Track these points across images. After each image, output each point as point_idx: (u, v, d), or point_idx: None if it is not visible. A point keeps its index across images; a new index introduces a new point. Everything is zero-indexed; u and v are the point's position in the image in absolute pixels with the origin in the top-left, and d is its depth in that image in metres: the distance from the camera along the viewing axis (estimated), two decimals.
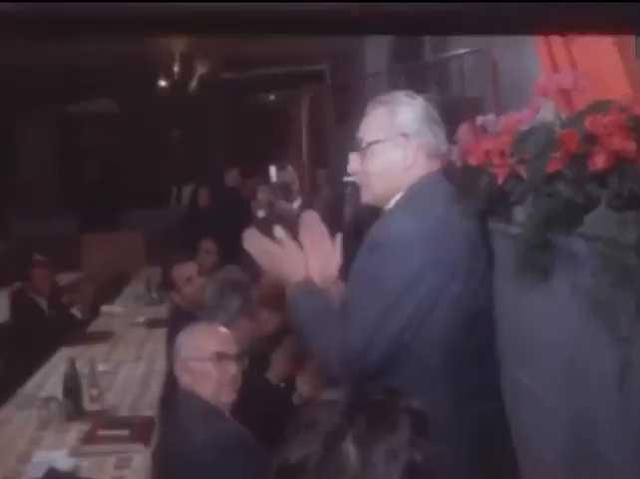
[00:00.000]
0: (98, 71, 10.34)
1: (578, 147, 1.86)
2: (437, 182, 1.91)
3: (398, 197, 1.87)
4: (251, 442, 2.16)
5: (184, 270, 3.96)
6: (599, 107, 2.11)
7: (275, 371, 2.93)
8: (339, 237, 1.97)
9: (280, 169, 4.81)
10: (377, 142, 1.86)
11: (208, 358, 2.22)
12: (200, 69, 11.97)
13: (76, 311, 5.40)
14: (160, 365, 3.83)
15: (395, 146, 1.86)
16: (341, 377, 1.72)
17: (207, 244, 5.46)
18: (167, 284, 4.09)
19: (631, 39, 4.21)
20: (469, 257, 1.81)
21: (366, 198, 1.93)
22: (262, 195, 4.93)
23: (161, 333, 4.53)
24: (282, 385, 2.97)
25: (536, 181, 2.26)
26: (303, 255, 1.89)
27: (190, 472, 2.04)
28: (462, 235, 1.83)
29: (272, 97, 13.17)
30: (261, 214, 5.00)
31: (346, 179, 4.51)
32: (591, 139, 1.81)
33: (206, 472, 2.02)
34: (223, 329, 2.35)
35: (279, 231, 1.92)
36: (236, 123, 11.83)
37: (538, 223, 2.30)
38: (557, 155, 1.95)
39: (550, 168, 2.00)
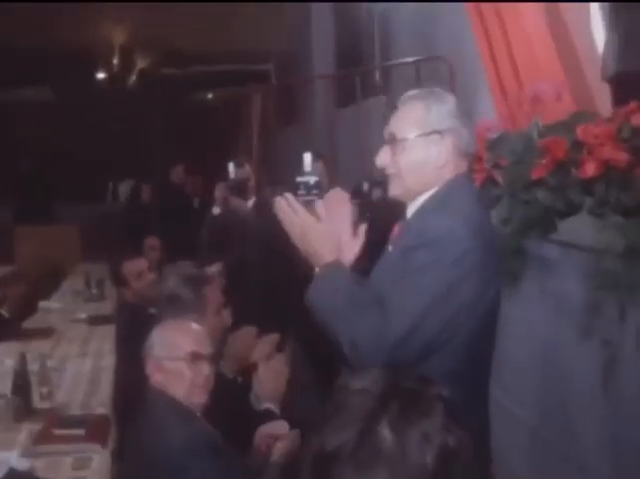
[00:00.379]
0: (33, 57, 10.01)
1: (565, 155, 1.90)
2: (468, 183, 1.91)
3: (430, 193, 1.85)
4: (222, 444, 2.11)
5: (135, 266, 3.87)
6: (581, 117, 2.16)
7: (229, 364, 2.89)
8: (363, 226, 1.92)
9: (238, 166, 4.76)
10: (409, 137, 1.84)
11: (183, 358, 2.15)
12: (140, 63, 11.74)
13: (4, 311, 5.17)
14: (109, 362, 3.73)
15: (429, 142, 1.84)
16: (370, 364, 1.66)
17: (152, 241, 5.36)
18: (117, 280, 3.98)
19: (558, 10, 4.31)
20: (498, 261, 1.83)
21: (395, 191, 1.91)
22: (219, 191, 4.88)
23: (105, 330, 4.42)
24: (239, 380, 2.92)
25: (515, 187, 2.30)
26: (338, 236, 1.84)
27: (162, 473, 1.97)
28: (494, 238, 1.85)
29: (210, 95, 13.04)
30: (217, 210, 4.94)
31: (299, 179, 4.47)
32: (581, 147, 1.84)
33: (179, 473, 1.96)
34: (198, 328, 2.28)
35: (320, 205, 1.86)
36: (177, 119, 11.64)
37: (515, 228, 2.35)
38: (543, 162, 1.99)
39: (535, 174, 2.04)
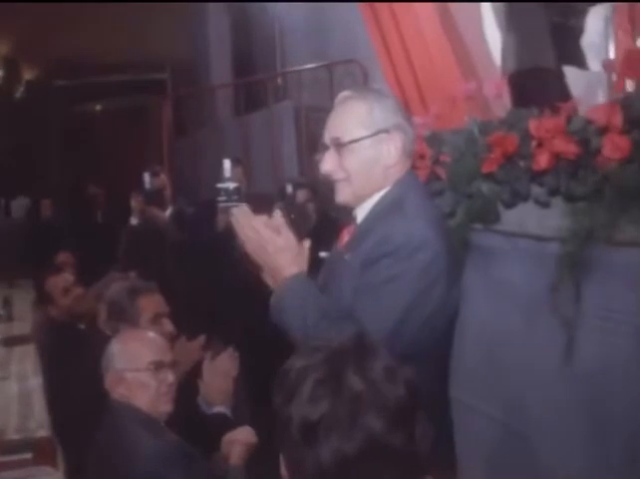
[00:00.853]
0: None
1: (515, 148, 2.01)
2: (418, 181, 1.88)
3: (381, 194, 1.79)
4: (192, 452, 2.09)
5: (59, 282, 3.74)
6: (519, 114, 2.29)
7: None
8: (307, 241, 1.81)
9: (154, 175, 4.72)
10: (357, 139, 1.76)
11: (145, 368, 2.11)
12: (28, 74, 11.28)
13: None
14: (35, 383, 3.61)
15: (378, 142, 1.76)
16: None
17: (65, 257, 5.19)
18: (41, 297, 3.84)
19: (449, 11, 4.54)
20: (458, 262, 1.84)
21: (343, 198, 1.82)
22: (135, 202, 4.80)
23: (23, 351, 4.28)
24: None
25: (459, 181, 2.40)
26: (297, 248, 1.75)
27: None
28: (452, 238, 1.86)
29: (100, 106, 12.77)
30: (134, 220, 4.85)
31: (220, 185, 4.47)
32: (529, 141, 1.96)
33: None
34: (156, 336, 2.25)
35: (278, 216, 1.77)
36: (71, 132, 11.26)
37: (459, 221, 2.44)
38: (492, 156, 2.09)
39: (485, 168, 2.14)
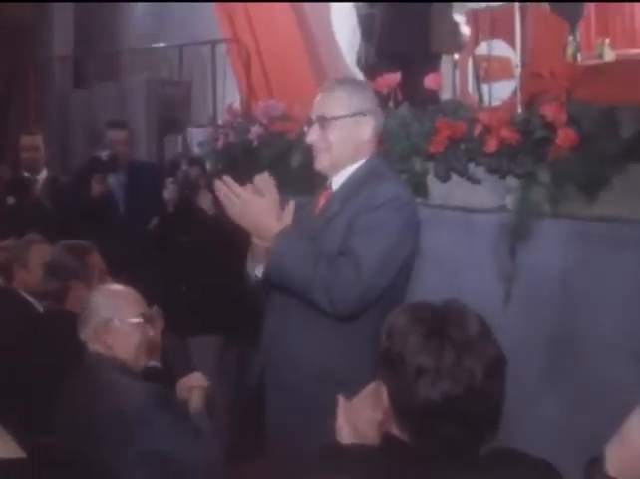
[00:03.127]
0: None
1: (462, 133, 2.39)
2: (382, 157, 2.27)
3: (356, 165, 2.16)
4: (171, 394, 2.20)
5: None
6: (451, 103, 2.67)
7: None
8: (292, 203, 2.10)
9: (28, 134, 4.51)
10: (339, 117, 2.14)
11: (133, 321, 2.19)
12: None
13: None
14: None
15: (355, 121, 2.15)
16: (344, 308, 1.97)
17: None
18: None
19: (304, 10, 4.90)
20: None
21: (322, 163, 2.18)
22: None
23: None
24: None
25: (392, 158, 2.74)
26: (279, 205, 2.04)
27: (126, 431, 1.99)
28: None
29: None
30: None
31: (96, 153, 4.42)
32: (474, 127, 2.34)
33: (144, 427, 1.99)
34: (132, 291, 2.29)
35: (260, 179, 2.05)
36: None
37: None
38: (438, 138, 2.45)
39: (432, 148, 2.50)
